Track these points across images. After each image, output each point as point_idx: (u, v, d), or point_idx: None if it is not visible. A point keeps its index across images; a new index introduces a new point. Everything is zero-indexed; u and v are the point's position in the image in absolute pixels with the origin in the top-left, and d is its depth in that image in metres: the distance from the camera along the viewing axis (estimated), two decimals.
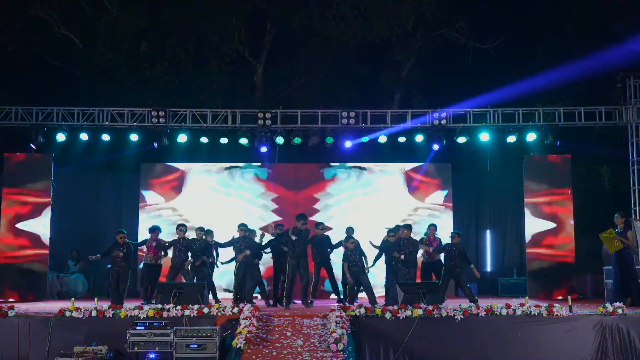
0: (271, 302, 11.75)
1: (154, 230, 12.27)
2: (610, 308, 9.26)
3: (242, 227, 11.69)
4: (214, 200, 14.57)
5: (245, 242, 11.54)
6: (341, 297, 12.05)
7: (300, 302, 11.54)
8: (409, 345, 8.89)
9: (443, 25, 17.97)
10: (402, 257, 11.21)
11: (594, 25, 16.79)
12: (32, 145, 13.01)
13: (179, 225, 11.96)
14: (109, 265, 14.56)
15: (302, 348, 8.38)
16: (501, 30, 18.16)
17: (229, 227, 12.34)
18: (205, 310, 9.25)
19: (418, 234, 13.06)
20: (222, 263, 12.12)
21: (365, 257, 11.37)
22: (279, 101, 17.13)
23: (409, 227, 11.78)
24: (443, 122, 13.08)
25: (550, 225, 13.45)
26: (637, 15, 16.22)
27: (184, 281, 11.42)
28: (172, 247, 11.78)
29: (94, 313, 9.15)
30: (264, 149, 13.43)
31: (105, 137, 13.31)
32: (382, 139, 13.40)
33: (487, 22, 18.21)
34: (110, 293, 11.49)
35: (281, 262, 11.61)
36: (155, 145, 13.25)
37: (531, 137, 13.15)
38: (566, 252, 13.38)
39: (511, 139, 13.25)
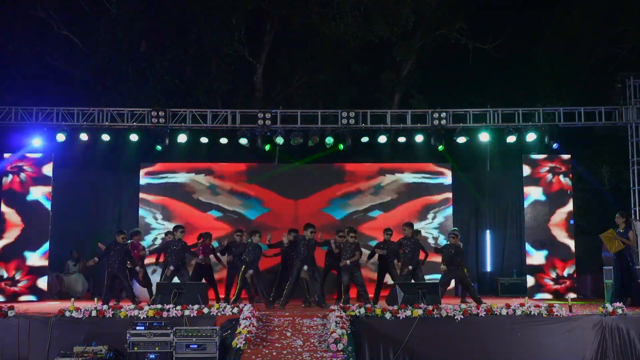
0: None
1: (136, 234, 12.26)
2: (610, 308, 9.27)
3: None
4: (213, 201, 14.55)
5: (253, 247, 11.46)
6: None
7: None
8: (409, 345, 8.89)
9: (443, 25, 17.96)
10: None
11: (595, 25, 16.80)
12: (34, 146, 13.00)
13: (176, 227, 11.78)
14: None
15: (302, 348, 8.38)
16: (501, 30, 18.15)
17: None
18: (205, 310, 9.26)
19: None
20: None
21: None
22: (279, 101, 17.11)
23: (410, 225, 11.87)
24: (443, 122, 13.06)
25: (550, 225, 13.43)
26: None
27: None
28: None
29: (94, 313, 9.15)
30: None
31: (105, 137, 13.27)
32: (382, 139, 13.37)
33: (487, 22, 18.20)
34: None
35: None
36: (158, 147, 13.19)
37: (531, 137, 13.13)
38: (566, 252, 13.37)
39: (511, 139, 13.22)
